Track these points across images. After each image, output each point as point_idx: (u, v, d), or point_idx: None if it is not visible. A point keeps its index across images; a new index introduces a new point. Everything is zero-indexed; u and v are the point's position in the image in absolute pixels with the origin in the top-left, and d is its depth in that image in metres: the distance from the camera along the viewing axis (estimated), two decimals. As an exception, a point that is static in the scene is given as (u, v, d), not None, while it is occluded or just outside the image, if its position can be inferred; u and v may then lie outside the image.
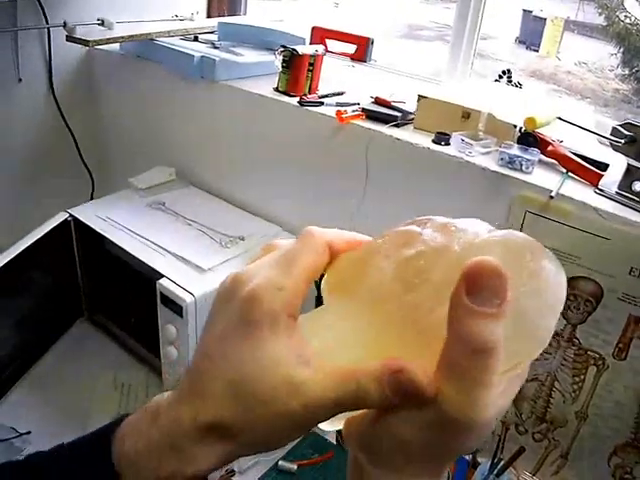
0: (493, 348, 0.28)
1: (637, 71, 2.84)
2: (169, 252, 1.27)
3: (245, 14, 1.95)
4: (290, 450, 1.25)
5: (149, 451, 0.34)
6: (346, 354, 0.34)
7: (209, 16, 1.90)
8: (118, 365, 1.42)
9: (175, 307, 1.17)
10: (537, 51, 2.99)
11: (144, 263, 1.23)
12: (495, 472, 1.19)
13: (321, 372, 0.32)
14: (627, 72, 2.92)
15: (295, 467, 1.22)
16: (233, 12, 1.93)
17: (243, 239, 1.35)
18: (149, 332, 1.28)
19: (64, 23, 1.48)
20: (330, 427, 0.35)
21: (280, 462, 1.22)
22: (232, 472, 1.21)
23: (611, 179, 1.07)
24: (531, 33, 3.16)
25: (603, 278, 1.04)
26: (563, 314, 1.09)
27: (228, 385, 0.33)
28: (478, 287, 0.28)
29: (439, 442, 0.31)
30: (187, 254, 1.26)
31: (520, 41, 3.15)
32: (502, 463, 1.21)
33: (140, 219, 1.37)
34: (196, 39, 1.61)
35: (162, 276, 1.20)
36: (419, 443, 0.31)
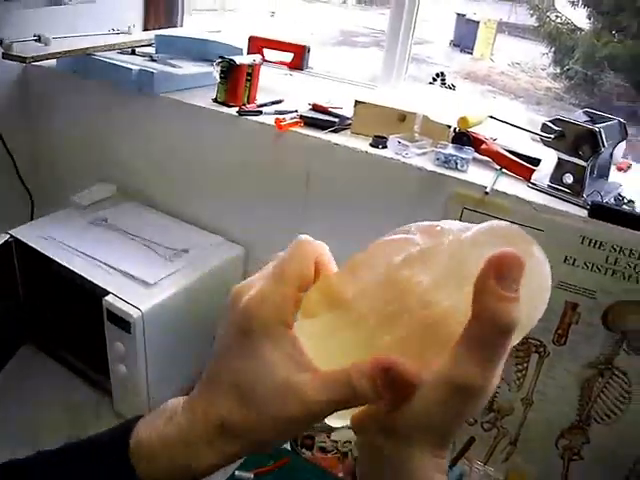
0: (514, 327, 0.32)
1: (568, 69, 2.95)
2: (114, 268, 1.26)
3: (182, 26, 1.95)
4: (246, 459, 1.25)
5: (164, 446, 0.38)
6: (340, 358, 0.35)
7: (146, 29, 1.88)
8: (66, 387, 1.38)
9: (122, 323, 1.16)
10: (471, 53, 3.09)
11: (89, 281, 1.21)
12: (448, 464, 1.22)
13: (317, 375, 0.35)
14: (558, 71, 3.04)
15: (252, 476, 1.22)
16: (170, 24, 1.92)
17: (187, 251, 1.35)
18: (96, 351, 1.26)
19: (0, 40, 1.44)
20: (339, 423, 0.38)
21: (237, 472, 1.22)
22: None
23: (543, 173, 1.12)
24: (465, 36, 3.25)
25: (539, 268, 1.08)
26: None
27: (233, 390, 0.36)
28: (505, 274, 0.31)
29: (455, 411, 0.34)
30: (132, 269, 1.25)
31: (454, 44, 3.25)
32: (454, 455, 1.24)
33: (83, 237, 1.35)
34: (133, 52, 1.59)
35: (108, 293, 1.18)
36: (437, 416, 0.34)
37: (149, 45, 1.67)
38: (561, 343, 1.12)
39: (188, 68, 1.50)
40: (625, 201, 1.10)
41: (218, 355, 0.39)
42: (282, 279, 0.37)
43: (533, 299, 0.35)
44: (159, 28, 1.85)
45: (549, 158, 1.13)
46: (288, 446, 1.29)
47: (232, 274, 1.40)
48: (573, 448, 1.19)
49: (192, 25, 1.99)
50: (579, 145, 1.04)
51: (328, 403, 0.35)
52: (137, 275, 1.24)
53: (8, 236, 1.34)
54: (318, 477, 1.24)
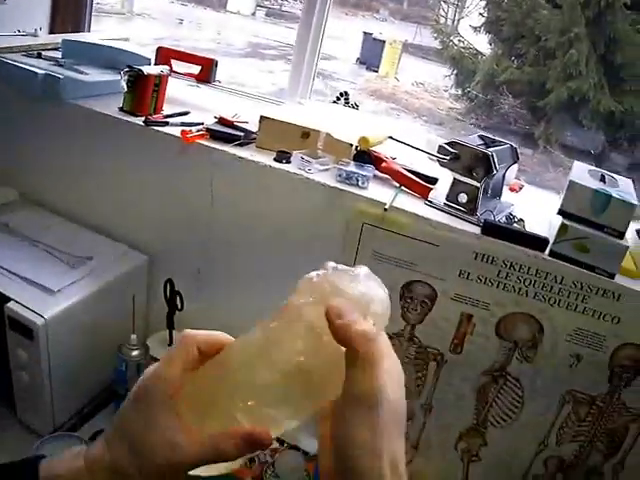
0: (372, 332, 0.46)
1: (468, 91, 3.10)
2: (16, 275, 1.21)
3: (89, 31, 1.90)
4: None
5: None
6: (216, 422, 0.48)
7: (52, 32, 1.82)
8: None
9: (25, 330, 1.13)
10: (377, 71, 3.18)
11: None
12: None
13: (193, 438, 0.47)
14: (460, 92, 3.18)
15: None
16: (77, 28, 1.87)
17: (91, 259, 1.32)
18: None
19: None
20: (205, 473, 0.49)
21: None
22: None
23: (440, 192, 1.18)
24: (371, 54, 3.35)
25: (436, 281, 1.13)
26: (402, 315, 1.18)
27: (126, 441, 0.48)
28: (340, 312, 0.46)
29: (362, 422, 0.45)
30: (35, 276, 1.21)
31: (361, 62, 3.34)
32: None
33: (-18, 242, 1.29)
34: (40, 56, 1.53)
35: (9, 299, 1.14)
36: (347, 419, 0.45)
37: (55, 49, 1.62)
38: (457, 352, 1.17)
39: (95, 75, 1.47)
40: (516, 220, 1.17)
41: (121, 415, 0.50)
42: (171, 364, 0.49)
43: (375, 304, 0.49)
44: (66, 32, 1.79)
45: (445, 178, 1.18)
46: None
47: (136, 282, 1.38)
48: (471, 450, 1.24)
49: (100, 30, 1.95)
50: (473, 167, 1.10)
51: (199, 458, 0.47)
52: (40, 282, 1.20)
53: None
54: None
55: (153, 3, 3.45)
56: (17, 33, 1.65)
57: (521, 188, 1.37)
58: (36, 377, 1.17)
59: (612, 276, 1.03)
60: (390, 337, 1.25)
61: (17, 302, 1.14)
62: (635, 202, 1.01)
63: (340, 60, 3.06)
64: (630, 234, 1.11)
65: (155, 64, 1.53)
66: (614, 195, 1.01)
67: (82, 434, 1.23)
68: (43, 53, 1.55)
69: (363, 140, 1.13)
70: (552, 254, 1.06)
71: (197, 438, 0.47)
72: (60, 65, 1.48)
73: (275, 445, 1.32)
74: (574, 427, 1.15)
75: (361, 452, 0.44)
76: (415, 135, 1.31)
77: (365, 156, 1.20)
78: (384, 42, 3.28)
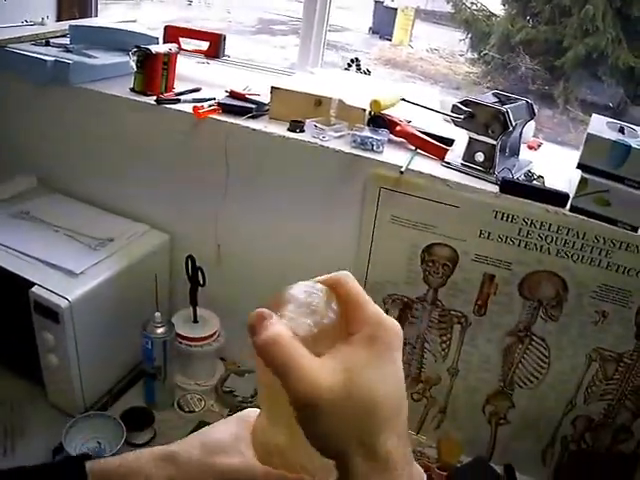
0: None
1: (484, 54, 3.05)
2: (39, 260, 1.23)
3: (96, 16, 1.90)
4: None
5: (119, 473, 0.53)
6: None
7: (59, 20, 1.83)
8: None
9: (50, 314, 1.14)
10: (390, 40, 3.14)
11: (14, 273, 1.18)
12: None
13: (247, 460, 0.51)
14: (475, 56, 3.13)
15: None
16: (84, 15, 1.87)
17: (112, 240, 1.33)
18: (25, 344, 1.23)
19: None
20: None
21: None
22: None
23: (456, 153, 1.16)
24: (384, 23, 3.30)
25: (456, 243, 1.12)
26: (424, 279, 1.17)
27: (198, 441, 0.54)
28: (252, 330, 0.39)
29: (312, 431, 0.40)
30: (57, 260, 1.23)
31: (374, 31, 3.29)
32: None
33: (4, 230, 1.31)
34: (48, 44, 1.54)
35: (33, 284, 1.16)
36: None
37: (63, 36, 1.62)
38: (481, 313, 1.17)
39: (104, 58, 1.47)
40: (535, 177, 1.15)
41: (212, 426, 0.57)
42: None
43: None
44: (73, 19, 1.80)
45: (461, 138, 1.16)
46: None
47: (158, 261, 1.40)
48: (499, 413, 1.24)
49: (107, 15, 1.95)
50: (488, 125, 1.08)
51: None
52: (63, 265, 1.22)
53: None
54: None
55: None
56: (25, 23, 1.66)
57: (540, 146, 1.34)
58: (64, 359, 1.19)
59: (635, 229, 1.01)
60: (413, 301, 1.25)
61: (41, 286, 1.16)
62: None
63: (353, 31, 3.01)
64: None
65: (163, 43, 1.53)
66: (634, 146, 0.98)
67: (112, 413, 1.25)
68: (52, 41, 1.56)
69: (375, 103, 1.12)
70: (573, 209, 1.04)
71: (247, 463, 0.51)
72: (69, 51, 1.49)
73: None
74: (602, 386, 1.14)
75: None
76: (428, 98, 1.29)
77: (379, 120, 1.19)
78: (396, 10, 3.22)
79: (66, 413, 1.26)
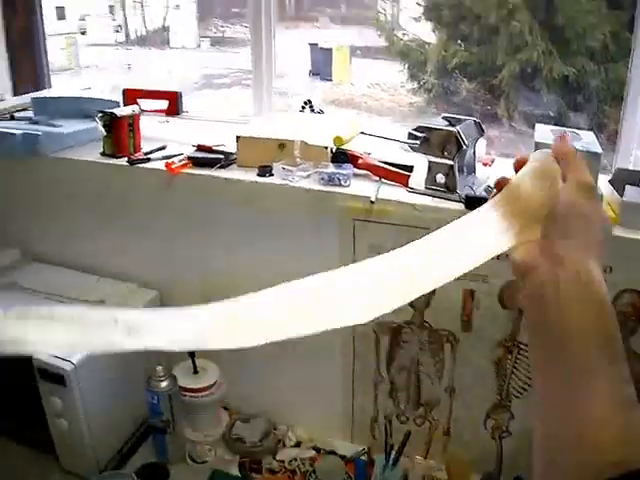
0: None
1: (424, 83, 3.12)
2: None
3: (51, 87, 1.94)
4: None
5: None
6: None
7: (16, 94, 1.86)
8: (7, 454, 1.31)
9: (56, 378, 1.15)
10: (331, 80, 3.19)
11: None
12: (391, 462, 1.28)
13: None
14: (416, 86, 3.19)
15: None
16: (39, 87, 1.91)
17: (104, 302, 1.34)
18: (32, 413, 1.24)
19: None
20: None
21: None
22: None
23: (418, 177, 1.20)
24: (321, 64, 3.36)
25: (433, 263, 1.14)
26: (409, 302, 1.18)
27: None
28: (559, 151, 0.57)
29: (581, 210, 0.53)
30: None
31: (314, 73, 3.34)
32: (394, 453, 1.28)
33: (-5, 303, 1.29)
34: (13, 118, 1.58)
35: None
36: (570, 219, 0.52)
37: (24, 109, 1.66)
38: (468, 330, 1.19)
39: (70, 126, 1.51)
40: (494, 191, 1.19)
41: None
42: None
43: None
44: (30, 92, 1.82)
45: (421, 163, 1.20)
46: (238, 472, 1.31)
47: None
48: (501, 426, 1.25)
49: (60, 85, 1.99)
50: (444, 146, 1.13)
51: None
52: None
53: None
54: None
55: (96, 53, 3.46)
56: (-16, 101, 1.68)
57: (493, 161, 1.40)
58: (74, 421, 1.20)
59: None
60: (401, 326, 1.26)
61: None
62: (599, 151, 1.04)
63: (293, 76, 3.07)
64: (603, 185, 1.15)
65: (124, 106, 1.55)
66: (577, 147, 1.03)
67: (127, 471, 1.24)
68: (16, 115, 1.60)
69: (337, 139, 1.16)
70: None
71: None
72: (35, 122, 1.53)
73: (312, 453, 1.35)
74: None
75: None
76: (383, 129, 1.34)
77: (342, 156, 1.23)
78: (331, 50, 3.28)
79: (80, 477, 1.25)
